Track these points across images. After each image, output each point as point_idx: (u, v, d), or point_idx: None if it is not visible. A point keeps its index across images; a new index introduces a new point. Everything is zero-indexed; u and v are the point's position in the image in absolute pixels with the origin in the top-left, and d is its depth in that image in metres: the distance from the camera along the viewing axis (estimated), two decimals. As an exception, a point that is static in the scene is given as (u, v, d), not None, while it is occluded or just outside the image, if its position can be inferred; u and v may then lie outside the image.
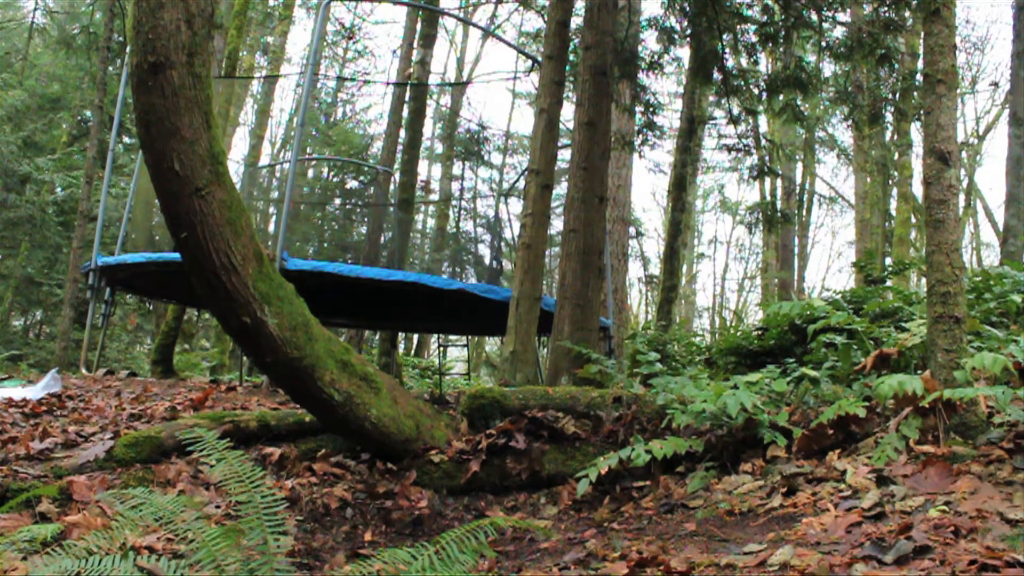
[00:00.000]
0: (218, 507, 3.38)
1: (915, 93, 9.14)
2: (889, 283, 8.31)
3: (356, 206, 20.33)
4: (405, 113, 17.44)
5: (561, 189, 14.66)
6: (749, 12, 8.95)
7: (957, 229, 3.50)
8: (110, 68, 13.02)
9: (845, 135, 18.19)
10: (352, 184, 21.27)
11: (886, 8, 7.80)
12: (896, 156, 16.03)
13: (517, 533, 3.32)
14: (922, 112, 3.72)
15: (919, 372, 3.70)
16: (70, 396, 5.71)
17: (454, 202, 21.46)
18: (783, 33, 8.50)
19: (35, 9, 16.39)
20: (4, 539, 2.38)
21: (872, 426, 3.50)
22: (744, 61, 9.98)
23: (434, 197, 22.71)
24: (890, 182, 16.84)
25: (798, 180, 20.15)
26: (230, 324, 3.39)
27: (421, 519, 3.64)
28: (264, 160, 20.95)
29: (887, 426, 3.37)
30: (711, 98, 11.70)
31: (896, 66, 8.67)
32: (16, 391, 5.62)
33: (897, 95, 9.17)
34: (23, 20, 17.29)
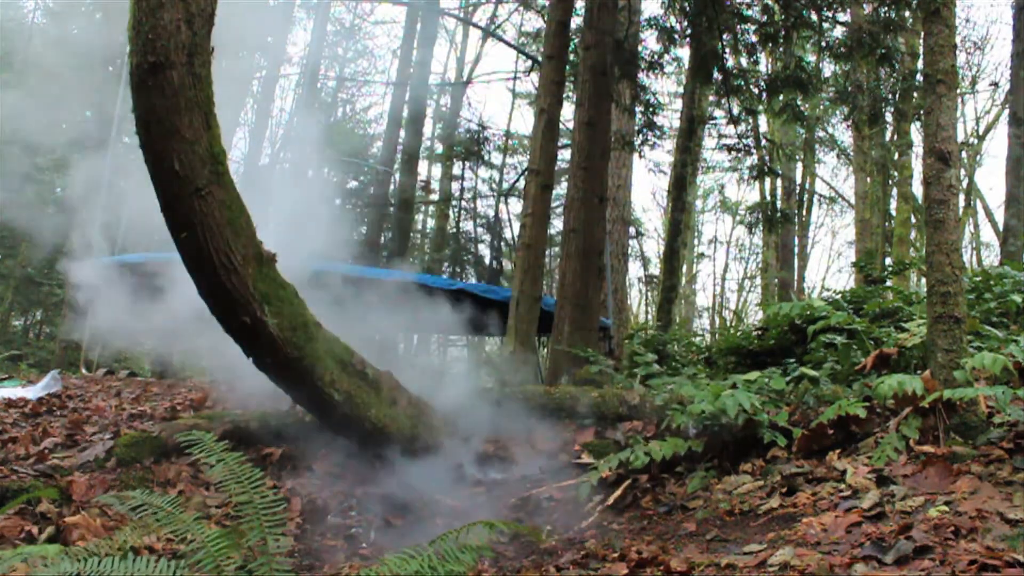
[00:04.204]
0: (219, 507, 3.38)
1: (915, 93, 9.14)
2: (889, 283, 8.30)
3: (356, 206, 20.32)
4: (405, 113, 17.44)
5: (561, 189, 14.67)
6: (749, 12, 8.95)
7: (957, 229, 3.50)
8: (110, 68, 13.00)
9: (845, 135, 18.15)
10: (352, 184, 21.25)
11: (886, 8, 7.79)
12: (896, 156, 16.01)
13: (517, 533, 3.32)
14: (922, 112, 3.71)
15: (919, 372, 3.70)
16: (70, 396, 5.71)
17: (454, 202, 21.45)
18: (783, 33, 8.50)
19: (35, 9, 16.39)
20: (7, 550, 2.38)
21: (872, 426, 3.50)
22: (744, 61, 9.97)
23: (434, 197, 22.70)
24: (890, 182, 16.82)
25: (798, 180, 20.13)
26: (230, 324, 3.39)
27: (421, 518, 3.64)
28: (264, 160, 20.94)
29: (887, 426, 3.37)
30: (711, 98, 11.68)
31: (896, 66, 8.66)
32: (16, 391, 5.62)
33: (897, 95, 9.16)
34: (23, 20, 17.28)
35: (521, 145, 20.82)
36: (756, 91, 9.72)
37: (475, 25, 19.42)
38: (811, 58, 10.79)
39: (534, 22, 17.92)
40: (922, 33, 4.00)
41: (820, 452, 3.44)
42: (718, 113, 11.81)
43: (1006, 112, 14.33)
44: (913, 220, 16.78)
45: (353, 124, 23.95)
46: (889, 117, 10.66)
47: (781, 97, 9.72)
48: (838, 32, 8.66)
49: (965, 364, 3.20)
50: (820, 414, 3.58)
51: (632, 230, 16.28)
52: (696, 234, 26.61)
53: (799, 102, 10.23)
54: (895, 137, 15.67)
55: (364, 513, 3.66)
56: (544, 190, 6.85)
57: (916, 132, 14.84)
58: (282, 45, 20.78)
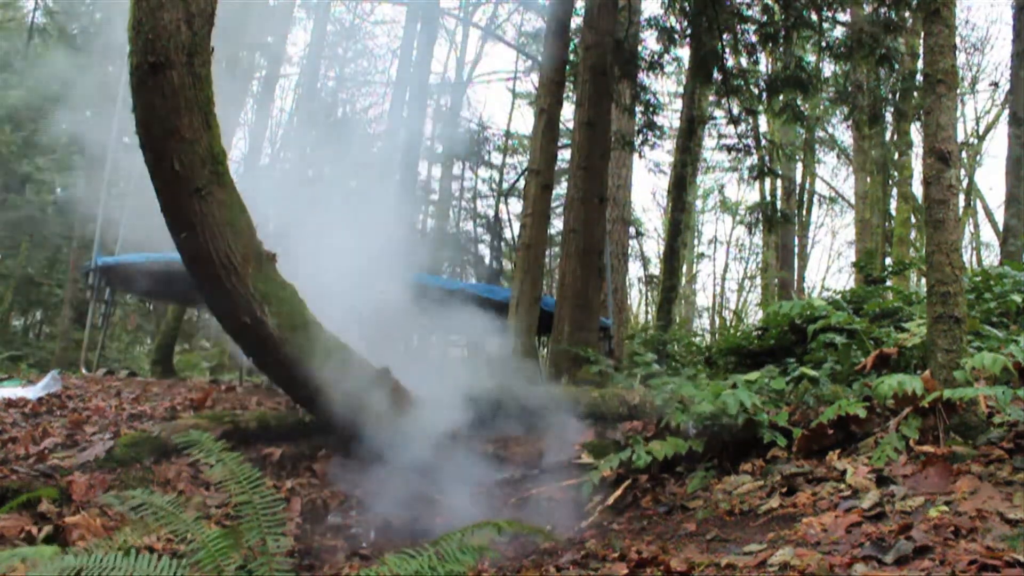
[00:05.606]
0: (219, 507, 3.38)
1: (915, 93, 9.13)
2: (889, 283, 8.30)
3: (356, 206, 20.26)
4: (405, 113, 17.42)
5: (561, 189, 14.66)
6: (749, 12, 8.94)
7: (957, 229, 3.50)
8: (110, 68, 12.99)
9: (845, 135, 18.17)
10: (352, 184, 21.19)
11: (886, 8, 7.78)
12: (896, 156, 16.00)
13: (517, 533, 3.32)
14: (922, 112, 3.72)
15: (919, 372, 3.70)
16: (70, 396, 5.71)
17: (454, 202, 21.43)
18: (783, 33, 8.49)
19: (35, 9, 16.38)
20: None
21: (872, 426, 3.50)
22: (744, 61, 9.96)
23: (434, 197, 22.69)
24: (890, 182, 16.81)
25: (798, 180, 20.12)
26: (230, 324, 3.39)
27: (421, 518, 3.64)
28: (264, 160, 20.92)
29: (887, 426, 3.37)
30: (711, 98, 11.68)
31: (896, 66, 8.65)
32: (16, 391, 5.62)
33: (897, 95, 9.16)
34: (23, 20, 17.27)
35: (521, 145, 20.81)
36: (756, 91, 9.72)
37: (475, 25, 19.43)
38: (811, 58, 10.77)
39: (534, 22, 17.94)
40: (922, 33, 4.00)
41: (820, 452, 3.44)
42: (718, 113, 11.81)
43: (1006, 112, 14.32)
44: (913, 220, 16.77)
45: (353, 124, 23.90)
46: (889, 117, 10.66)
47: (781, 97, 9.72)
48: (838, 32, 8.66)
49: (965, 364, 3.20)
50: (820, 414, 3.58)
51: (632, 230, 16.28)
52: (696, 234, 26.59)
53: (799, 102, 10.23)
54: (895, 137, 15.67)
55: (364, 513, 3.66)
56: (544, 190, 6.86)
57: (916, 132, 14.84)
58: (282, 45, 20.78)
